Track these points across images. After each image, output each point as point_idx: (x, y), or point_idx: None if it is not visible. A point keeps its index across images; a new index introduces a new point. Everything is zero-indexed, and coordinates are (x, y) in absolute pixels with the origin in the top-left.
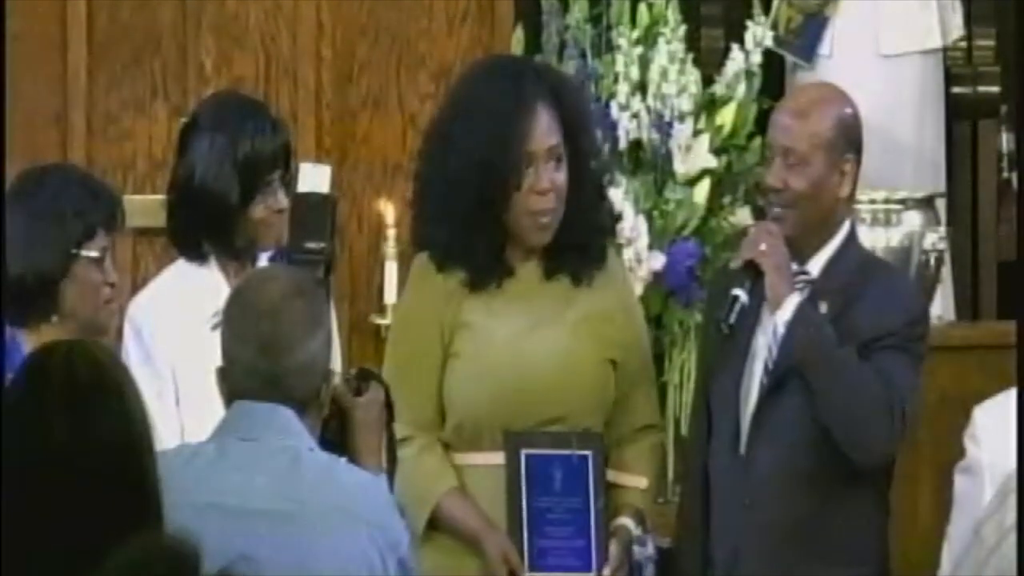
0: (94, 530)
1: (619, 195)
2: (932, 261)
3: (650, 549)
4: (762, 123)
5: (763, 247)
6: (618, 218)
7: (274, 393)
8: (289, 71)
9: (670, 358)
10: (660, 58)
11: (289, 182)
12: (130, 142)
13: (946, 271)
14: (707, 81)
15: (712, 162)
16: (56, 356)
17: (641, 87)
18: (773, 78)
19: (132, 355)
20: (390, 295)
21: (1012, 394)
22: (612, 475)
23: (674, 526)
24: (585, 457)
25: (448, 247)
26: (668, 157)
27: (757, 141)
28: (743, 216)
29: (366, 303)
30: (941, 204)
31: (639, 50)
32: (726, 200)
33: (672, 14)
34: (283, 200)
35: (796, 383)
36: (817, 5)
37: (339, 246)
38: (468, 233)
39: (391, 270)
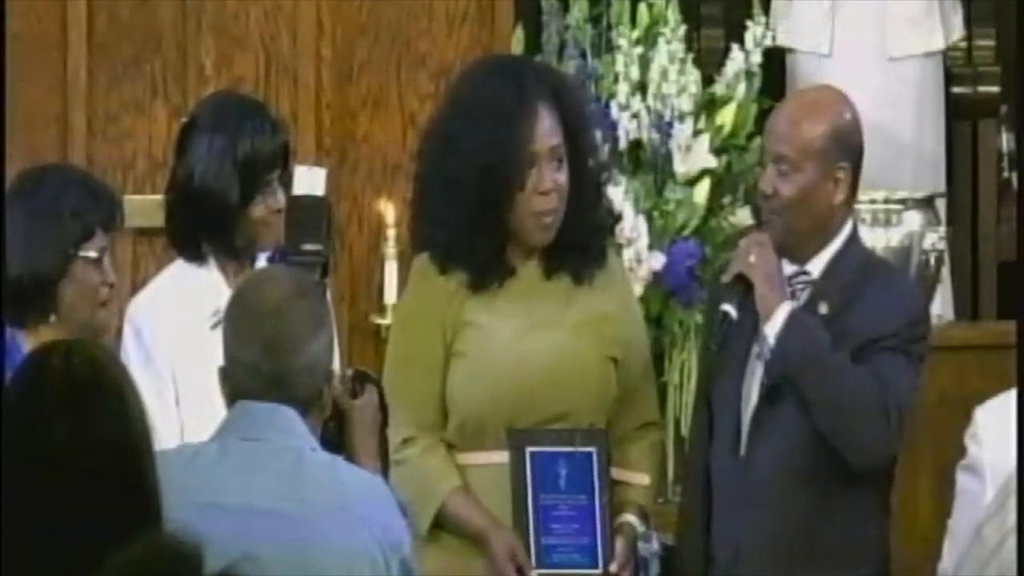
0: (93, 530)
1: (619, 195)
2: (932, 261)
3: (655, 545)
4: (762, 123)
5: (752, 259)
6: (618, 218)
7: (277, 393)
8: (289, 71)
9: (670, 358)
10: (660, 58)
11: (288, 182)
12: (130, 142)
13: (946, 271)
14: (707, 81)
15: (712, 162)
16: (55, 356)
17: (641, 87)
18: (773, 78)
19: (132, 355)
20: (390, 295)
21: (1013, 394)
22: (614, 472)
23: (676, 526)
24: (589, 454)
25: (449, 248)
26: (668, 157)
27: (757, 141)
28: (743, 216)
29: (366, 303)
30: (941, 204)
31: (639, 50)
32: (726, 200)
33: (672, 14)
34: (282, 200)
35: (796, 389)
36: None
37: (336, 247)
38: (470, 234)
39: (391, 270)
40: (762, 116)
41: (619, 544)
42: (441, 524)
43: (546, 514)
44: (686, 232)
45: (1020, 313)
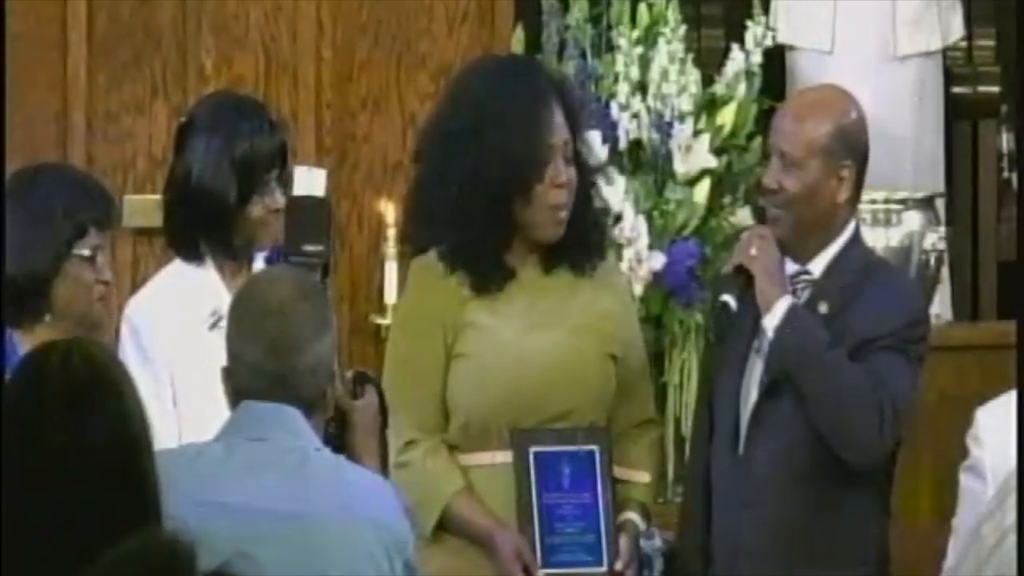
0: (92, 530)
1: (619, 195)
2: (932, 261)
3: (658, 542)
4: (762, 123)
5: (753, 251)
6: (618, 218)
7: (281, 393)
8: (289, 71)
9: (670, 358)
10: (660, 58)
11: (286, 182)
12: (130, 142)
13: (946, 271)
14: (707, 81)
15: (712, 162)
16: (54, 355)
17: (641, 87)
18: (773, 78)
19: (129, 356)
20: (390, 295)
21: (1014, 395)
22: (614, 470)
23: (676, 525)
24: (592, 452)
25: (457, 248)
26: (668, 157)
27: (757, 141)
28: (743, 216)
29: (366, 303)
30: (941, 204)
31: (639, 50)
32: (726, 200)
33: (672, 14)
34: (280, 200)
35: (794, 384)
36: None
37: (337, 247)
38: (479, 233)
39: (391, 270)
40: (762, 116)
41: (623, 542)
42: (445, 526)
43: (550, 513)
44: (686, 232)
45: (1020, 313)
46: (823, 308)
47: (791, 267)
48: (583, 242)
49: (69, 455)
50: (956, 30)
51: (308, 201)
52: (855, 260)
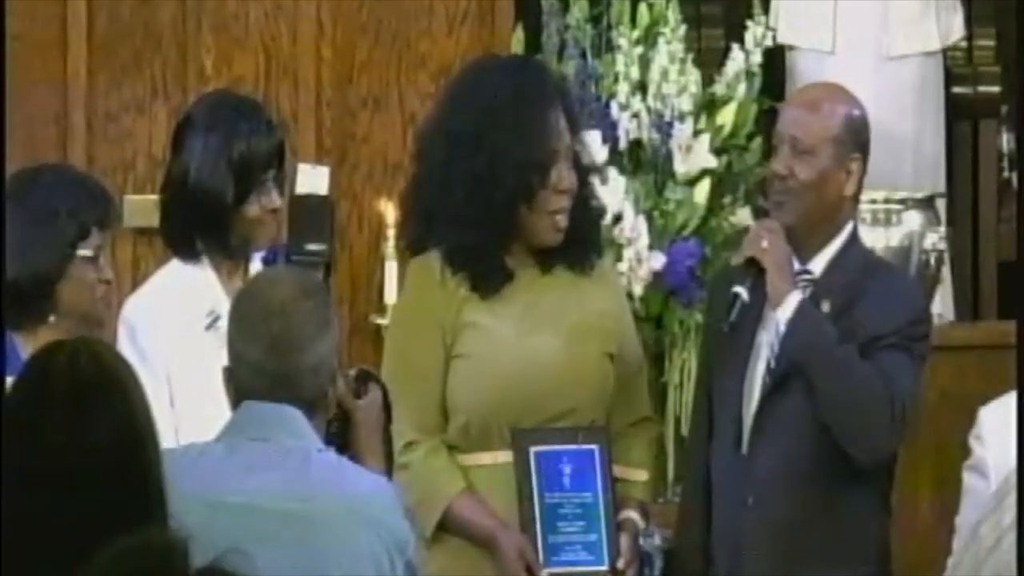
0: (97, 529)
1: (619, 195)
2: (932, 261)
3: (657, 540)
4: (762, 123)
5: (764, 244)
6: (618, 218)
7: (283, 393)
8: (289, 71)
9: (670, 358)
10: (660, 58)
11: (283, 182)
12: (130, 142)
13: (946, 271)
14: (707, 81)
15: (712, 162)
16: (61, 355)
17: (641, 87)
18: (773, 78)
19: (126, 355)
20: (390, 295)
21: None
22: (613, 469)
23: (675, 525)
24: (592, 451)
25: (457, 251)
26: (668, 157)
27: (757, 141)
28: (743, 216)
29: (366, 303)
30: (941, 204)
31: (639, 50)
32: (726, 200)
33: (672, 14)
34: (277, 200)
35: (798, 382)
36: None
37: (338, 247)
38: (481, 236)
39: (391, 270)
40: (762, 116)
41: (624, 540)
42: (447, 527)
43: (552, 513)
44: (686, 232)
45: (1020, 313)
46: (825, 307)
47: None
48: (581, 242)
49: (75, 454)
50: (956, 30)
51: (312, 200)
52: (855, 259)
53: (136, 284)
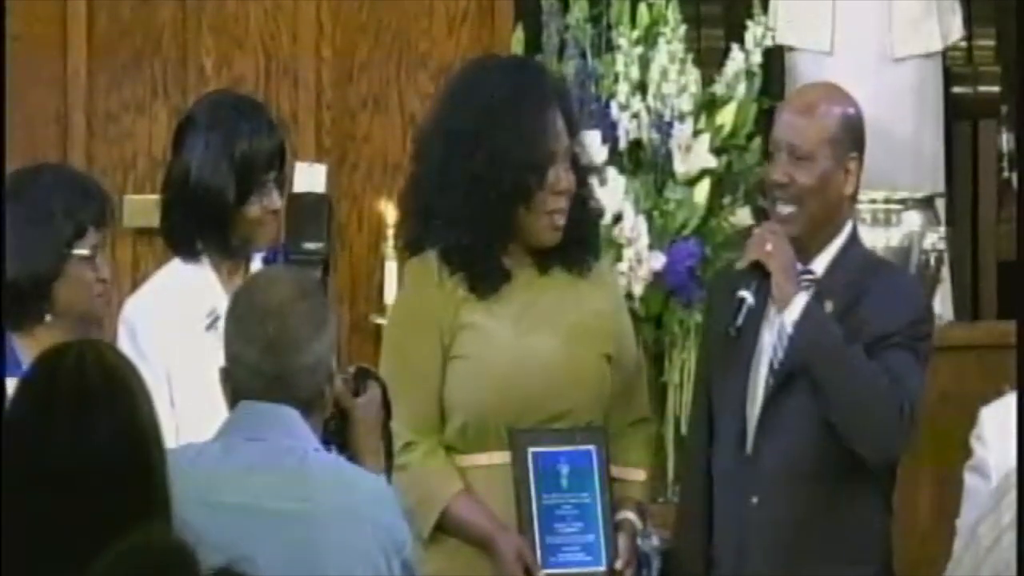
0: (103, 530)
1: (619, 195)
2: (932, 261)
3: (655, 540)
4: (762, 123)
5: (769, 247)
6: (618, 218)
7: (279, 393)
8: (289, 71)
9: (670, 358)
10: (660, 58)
11: (284, 182)
12: (130, 142)
13: (946, 271)
14: (707, 81)
15: (712, 162)
16: (67, 357)
17: (641, 87)
18: (773, 78)
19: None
20: (390, 295)
21: None
22: (611, 469)
23: (674, 526)
24: (589, 452)
25: (454, 251)
26: (668, 157)
27: (757, 141)
28: (743, 216)
29: (366, 303)
30: (941, 204)
31: (639, 50)
32: (726, 200)
33: (672, 14)
34: (278, 201)
35: (802, 382)
36: None
37: (337, 246)
38: (479, 236)
39: (391, 270)
40: (762, 116)
41: (622, 541)
42: (444, 528)
43: (549, 514)
44: (686, 232)
45: (1020, 313)
46: (828, 307)
47: None
48: (579, 243)
49: (80, 456)
50: (956, 31)
51: (309, 198)
52: (855, 258)
53: (136, 284)
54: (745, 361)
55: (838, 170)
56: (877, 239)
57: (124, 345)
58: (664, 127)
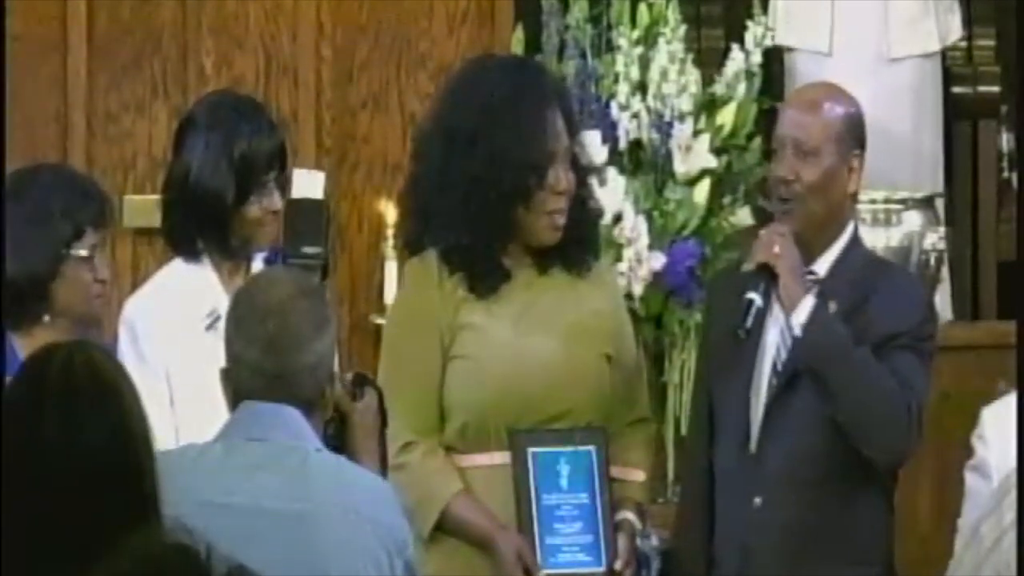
0: (92, 531)
1: (619, 195)
2: (932, 261)
3: (655, 541)
4: (762, 123)
5: (776, 249)
6: (618, 218)
7: (280, 393)
8: (289, 71)
9: (670, 358)
10: (660, 58)
11: (285, 183)
12: (130, 142)
13: (946, 271)
14: (707, 81)
15: (712, 162)
16: (55, 358)
17: (641, 87)
18: (773, 78)
19: (126, 356)
20: (390, 295)
21: None
22: (610, 469)
23: (674, 527)
24: (589, 452)
25: (454, 251)
26: (668, 157)
27: (757, 141)
28: (743, 216)
29: (366, 303)
30: (941, 204)
31: (639, 50)
32: (726, 200)
33: (672, 14)
34: (278, 202)
35: (806, 382)
36: None
37: (337, 247)
38: (478, 236)
39: (391, 270)
40: (762, 116)
41: (621, 541)
42: (444, 528)
43: (549, 514)
44: (686, 232)
45: (1020, 313)
46: (832, 307)
47: None
48: (578, 243)
49: (68, 457)
50: (954, 31)
51: (306, 203)
52: (858, 259)
53: (136, 284)
54: (748, 361)
55: (842, 167)
56: (877, 239)
57: (124, 345)
58: (664, 127)
